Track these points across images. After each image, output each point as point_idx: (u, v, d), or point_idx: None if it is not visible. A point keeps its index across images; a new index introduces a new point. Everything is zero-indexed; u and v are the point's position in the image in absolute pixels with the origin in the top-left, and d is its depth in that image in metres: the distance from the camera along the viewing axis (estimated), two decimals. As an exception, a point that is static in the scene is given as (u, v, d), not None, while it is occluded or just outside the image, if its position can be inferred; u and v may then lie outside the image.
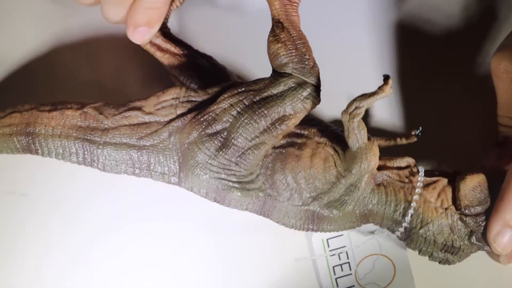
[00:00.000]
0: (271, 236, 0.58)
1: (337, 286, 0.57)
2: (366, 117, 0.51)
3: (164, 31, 0.58)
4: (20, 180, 0.57)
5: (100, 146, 0.53)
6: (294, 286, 0.57)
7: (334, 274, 0.57)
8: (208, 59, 0.59)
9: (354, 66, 0.63)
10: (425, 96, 0.62)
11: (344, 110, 0.50)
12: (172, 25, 0.60)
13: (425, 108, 0.62)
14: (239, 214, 0.55)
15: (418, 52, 0.64)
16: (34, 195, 0.58)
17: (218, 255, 0.58)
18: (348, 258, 0.57)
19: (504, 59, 0.54)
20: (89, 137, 0.53)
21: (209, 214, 0.58)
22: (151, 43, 0.57)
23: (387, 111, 0.62)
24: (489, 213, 0.52)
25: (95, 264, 0.57)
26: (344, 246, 0.57)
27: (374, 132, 0.54)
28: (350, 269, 0.57)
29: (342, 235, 0.57)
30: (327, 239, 0.57)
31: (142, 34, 0.54)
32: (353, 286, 0.57)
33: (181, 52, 0.58)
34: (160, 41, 0.57)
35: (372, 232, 0.56)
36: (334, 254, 0.57)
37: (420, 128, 0.55)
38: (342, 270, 0.57)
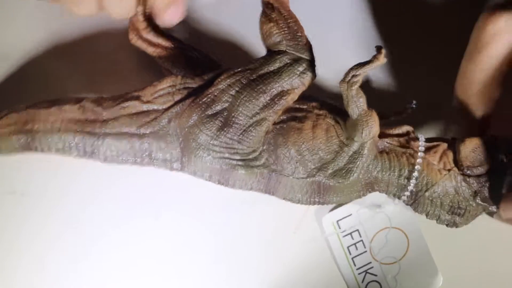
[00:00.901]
0: (283, 223, 0.58)
1: (355, 265, 0.57)
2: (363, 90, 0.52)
3: (154, 26, 0.59)
4: (20, 180, 0.57)
5: (101, 138, 0.53)
6: (312, 271, 0.58)
7: (350, 254, 0.57)
8: (199, 51, 0.59)
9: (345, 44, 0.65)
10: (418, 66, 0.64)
11: (341, 80, 0.51)
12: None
13: (419, 80, 0.63)
14: (248, 204, 0.56)
15: (412, 20, 0.66)
16: (34, 195, 0.57)
17: (231, 243, 0.58)
18: (360, 236, 0.57)
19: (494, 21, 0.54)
20: (88, 130, 0.53)
21: (217, 201, 0.58)
22: (142, 38, 0.58)
23: (382, 84, 0.63)
24: (490, 174, 0.53)
25: (95, 263, 0.57)
26: (355, 226, 0.57)
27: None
28: (365, 247, 0.57)
29: (351, 214, 0.57)
30: (337, 221, 0.57)
31: (175, 13, 0.56)
32: (370, 262, 0.57)
33: (173, 45, 0.58)
34: (151, 36, 0.58)
35: (379, 206, 0.56)
36: (345, 231, 0.57)
37: (414, 101, 0.56)
38: (356, 249, 0.57)
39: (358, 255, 0.57)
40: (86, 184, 0.58)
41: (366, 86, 0.63)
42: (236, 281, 0.58)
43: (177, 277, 0.57)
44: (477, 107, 0.55)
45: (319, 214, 0.58)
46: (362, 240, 0.57)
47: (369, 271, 0.57)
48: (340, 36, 0.65)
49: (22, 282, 0.56)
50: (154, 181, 0.58)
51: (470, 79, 0.54)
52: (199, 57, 0.58)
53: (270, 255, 0.58)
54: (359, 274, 0.57)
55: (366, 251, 0.57)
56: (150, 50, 0.58)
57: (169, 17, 0.55)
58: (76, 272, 0.57)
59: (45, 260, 0.57)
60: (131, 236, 0.58)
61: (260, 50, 0.55)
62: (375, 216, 0.57)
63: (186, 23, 0.64)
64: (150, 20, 0.58)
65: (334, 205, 0.58)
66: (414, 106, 0.56)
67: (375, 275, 0.57)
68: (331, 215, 0.57)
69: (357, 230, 0.57)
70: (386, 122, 0.56)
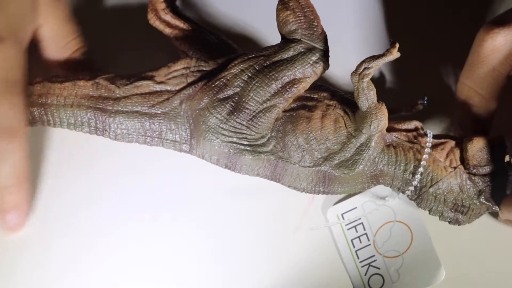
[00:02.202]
0: (288, 216, 0.58)
1: (358, 258, 0.57)
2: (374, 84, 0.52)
3: (173, 7, 0.59)
4: None
5: (112, 115, 0.54)
6: (315, 263, 0.58)
7: (354, 247, 0.57)
8: (217, 35, 0.59)
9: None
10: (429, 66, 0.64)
11: (353, 71, 0.51)
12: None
13: (431, 78, 0.63)
14: (247, 202, 0.57)
15: (419, 21, 0.66)
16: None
17: (231, 240, 0.59)
18: (365, 230, 0.57)
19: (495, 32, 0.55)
20: (101, 106, 0.54)
21: (225, 190, 0.59)
22: (160, 19, 0.58)
23: (393, 81, 0.63)
24: (495, 175, 0.53)
25: (94, 263, 0.57)
26: (359, 218, 0.57)
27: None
28: (368, 240, 0.57)
29: (356, 207, 0.57)
30: (342, 214, 0.57)
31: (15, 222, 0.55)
32: (373, 255, 0.57)
33: (190, 28, 0.58)
34: (169, 17, 0.58)
35: (383, 198, 0.57)
36: (349, 223, 0.57)
37: (426, 97, 0.56)
38: (360, 242, 0.57)
39: (361, 248, 0.57)
40: (86, 184, 0.58)
41: (378, 79, 0.63)
42: (239, 277, 0.58)
43: (177, 277, 0.57)
44: (479, 109, 0.56)
45: (325, 207, 0.58)
46: (366, 233, 0.57)
47: (372, 264, 0.57)
48: (349, 35, 0.65)
49: (22, 282, 0.56)
50: (154, 182, 0.59)
51: (471, 87, 0.56)
52: (216, 41, 0.59)
53: (272, 250, 0.58)
54: (362, 267, 0.57)
55: (370, 244, 0.57)
56: (168, 31, 0.58)
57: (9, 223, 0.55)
58: (76, 272, 0.57)
59: (45, 260, 0.57)
60: (130, 236, 0.58)
61: (273, 40, 0.55)
62: (380, 210, 0.57)
63: (204, 7, 0.64)
64: (169, 1, 0.59)
65: (339, 197, 0.58)
66: (425, 102, 0.57)
67: (378, 268, 0.57)
68: (336, 208, 0.58)
69: (362, 223, 0.57)
70: (396, 116, 0.56)
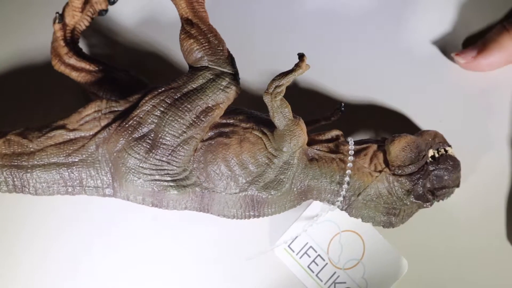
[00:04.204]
0: (241, 259, 0.58)
1: (321, 280, 0.57)
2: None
3: (77, 50, 0.58)
4: None
5: (29, 170, 0.53)
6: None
7: (313, 272, 0.57)
8: (125, 71, 0.58)
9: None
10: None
11: (265, 91, 0.50)
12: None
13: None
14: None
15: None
16: (34, 195, 0.56)
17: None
18: (316, 251, 0.57)
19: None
20: (16, 163, 0.53)
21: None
22: (65, 64, 0.57)
23: (307, 92, 0.63)
24: (424, 170, 0.53)
25: (95, 263, 0.57)
26: (307, 243, 0.57)
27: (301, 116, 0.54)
28: (324, 260, 0.57)
29: (298, 235, 0.57)
30: (288, 246, 0.57)
31: None
32: (335, 272, 0.57)
33: (97, 68, 0.57)
34: (73, 61, 0.57)
35: (317, 215, 0.56)
36: (299, 252, 0.57)
37: (343, 104, 0.56)
38: (317, 265, 0.57)
39: (320, 270, 0.57)
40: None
41: (292, 93, 0.62)
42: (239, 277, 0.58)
43: (177, 277, 0.58)
44: None
45: (273, 243, 0.58)
46: (319, 254, 0.57)
47: (337, 281, 0.57)
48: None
49: (22, 282, 0.57)
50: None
51: None
52: (125, 78, 0.58)
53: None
54: (328, 287, 0.57)
55: (327, 264, 0.57)
56: (74, 75, 0.57)
57: None
58: (75, 272, 0.57)
59: (45, 260, 0.57)
60: (130, 236, 0.58)
61: (186, 66, 0.55)
62: (322, 226, 0.57)
63: (109, 40, 0.63)
64: (71, 44, 0.57)
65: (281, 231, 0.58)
66: (343, 108, 0.56)
67: (344, 283, 0.57)
68: (281, 243, 0.57)
69: (311, 246, 0.57)
70: (316, 127, 0.55)
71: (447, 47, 0.62)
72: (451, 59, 0.61)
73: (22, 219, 0.58)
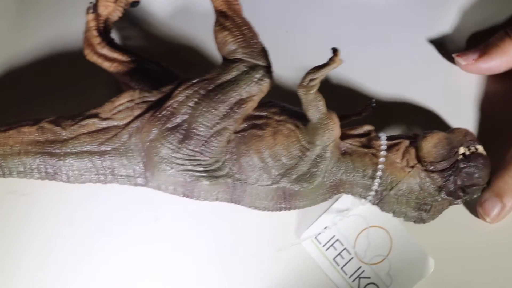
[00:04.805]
0: (268, 250, 0.58)
1: (346, 274, 0.57)
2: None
3: (109, 40, 0.58)
4: (20, 180, 0.56)
5: (62, 158, 0.53)
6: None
7: (338, 265, 0.57)
8: (156, 63, 0.59)
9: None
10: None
11: (299, 84, 0.50)
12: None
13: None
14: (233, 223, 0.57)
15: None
16: (34, 195, 0.57)
17: (224, 248, 0.58)
18: (343, 245, 0.57)
19: None
20: (49, 150, 0.53)
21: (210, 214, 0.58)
22: (98, 54, 0.57)
23: (340, 87, 0.63)
24: (455, 167, 0.53)
25: (95, 263, 0.57)
26: (334, 236, 0.57)
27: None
28: (350, 254, 0.57)
29: (326, 227, 0.57)
30: (315, 237, 0.57)
31: None
32: (360, 267, 0.57)
33: (129, 59, 0.57)
34: (106, 51, 0.57)
35: (348, 209, 0.56)
36: (326, 243, 0.57)
37: (374, 99, 0.56)
38: (343, 258, 0.57)
39: (346, 263, 0.57)
40: (86, 184, 0.56)
41: (325, 88, 0.63)
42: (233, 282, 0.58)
43: (177, 277, 0.57)
44: None
45: (298, 235, 0.58)
46: (345, 248, 0.57)
47: (361, 275, 0.57)
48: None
49: (22, 282, 0.56)
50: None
51: None
52: (157, 70, 0.58)
53: (258, 272, 0.58)
54: (353, 281, 0.57)
55: (352, 258, 0.57)
56: (106, 65, 0.57)
57: None
58: (76, 272, 0.57)
59: (45, 260, 0.57)
60: (130, 236, 0.58)
61: (219, 58, 0.55)
62: (351, 220, 0.57)
63: (141, 32, 0.63)
64: (104, 34, 0.58)
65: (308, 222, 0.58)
66: (374, 104, 0.57)
67: (369, 278, 0.57)
68: (308, 233, 0.57)
69: (338, 239, 0.57)
70: (347, 122, 0.56)
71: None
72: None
73: (22, 219, 0.58)
